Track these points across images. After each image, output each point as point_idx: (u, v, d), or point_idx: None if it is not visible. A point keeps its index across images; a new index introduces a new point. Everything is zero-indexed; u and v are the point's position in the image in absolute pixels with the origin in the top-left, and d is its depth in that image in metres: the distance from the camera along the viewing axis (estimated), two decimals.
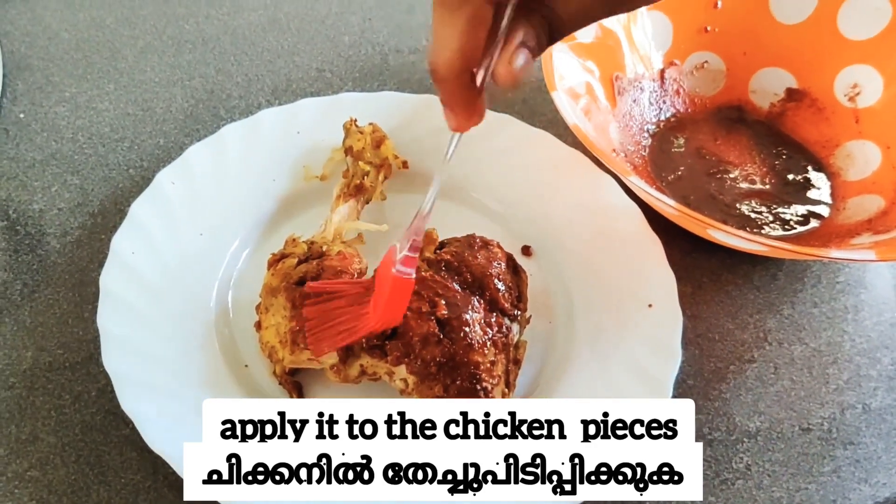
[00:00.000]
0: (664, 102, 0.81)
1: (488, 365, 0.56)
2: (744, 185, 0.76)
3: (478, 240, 0.62)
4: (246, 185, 0.69)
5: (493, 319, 0.58)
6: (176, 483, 0.53)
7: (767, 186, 0.76)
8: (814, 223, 0.74)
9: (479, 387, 0.55)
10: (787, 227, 0.73)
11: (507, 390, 0.57)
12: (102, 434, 0.57)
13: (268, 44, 0.86)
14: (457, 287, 0.59)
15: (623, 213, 0.69)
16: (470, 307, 0.57)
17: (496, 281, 0.60)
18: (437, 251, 0.62)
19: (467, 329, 0.56)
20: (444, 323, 0.56)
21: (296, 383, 0.60)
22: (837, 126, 0.79)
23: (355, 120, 0.72)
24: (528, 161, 0.73)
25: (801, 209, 0.74)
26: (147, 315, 0.60)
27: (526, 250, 0.69)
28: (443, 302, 0.57)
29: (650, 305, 0.63)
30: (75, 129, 0.76)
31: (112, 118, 0.77)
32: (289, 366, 0.59)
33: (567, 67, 0.72)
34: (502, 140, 0.73)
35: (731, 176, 0.77)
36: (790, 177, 0.77)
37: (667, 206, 0.61)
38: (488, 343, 0.56)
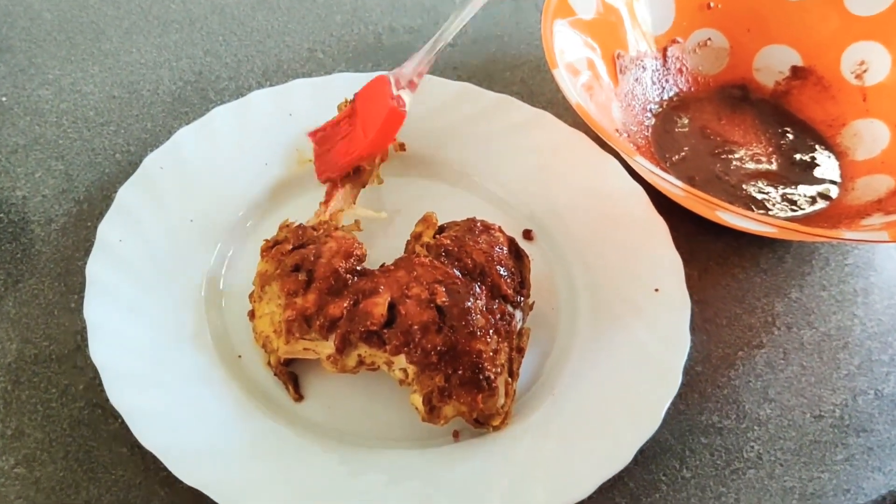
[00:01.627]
0: (667, 81, 0.79)
1: (491, 353, 0.54)
2: (750, 166, 0.74)
3: (478, 223, 0.60)
4: (237, 169, 0.67)
5: (495, 306, 0.56)
6: (168, 479, 0.51)
7: (774, 166, 0.74)
8: (822, 204, 0.72)
9: (481, 376, 0.53)
10: (794, 208, 0.71)
11: (510, 379, 0.55)
12: (91, 429, 0.55)
13: (257, 24, 0.83)
14: (457, 273, 0.56)
15: (627, 195, 0.67)
16: (471, 294, 0.55)
17: (498, 266, 0.58)
18: (437, 236, 0.59)
19: (469, 317, 0.54)
20: (444, 311, 0.54)
21: (291, 374, 0.58)
22: (844, 104, 0.77)
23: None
24: (528, 142, 0.70)
25: (809, 190, 0.72)
26: (135, 305, 0.57)
27: (527, 234, 0.67)
28: (443, 289, 0.55)
29: (657, 290, 0.61)
30: (59, 113, 0.73)
31: (97, 101, 0.75)
32: (284, 356, 0.57)
33: (568, 42, 0.70)
34: (501, 121, 0.71)
35: (737, 156, 0.75)
36: (797, 156, 0.75)
37: (674, 187, 0.59)
38: (491, 331, 0.54)
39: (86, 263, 0.58)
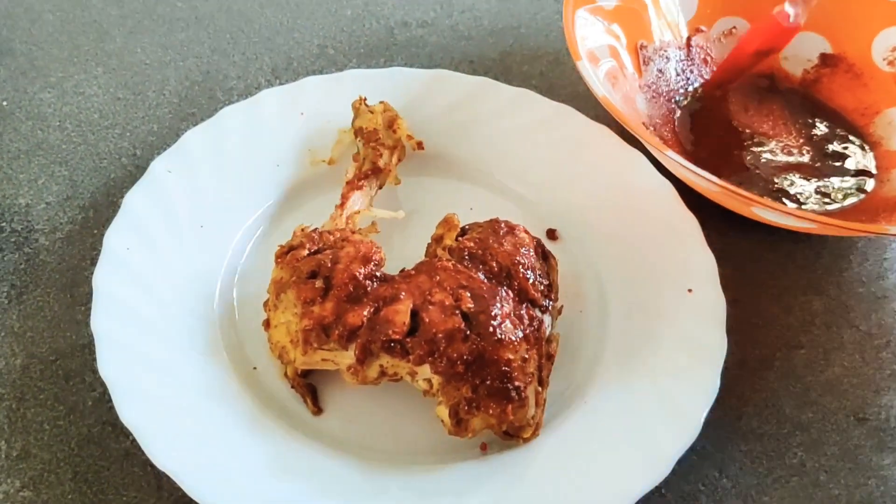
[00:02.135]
0: (691, 72, 0.76)
1: (520, 362, 0.51)
2: (780, 158, 0.71)
3: (502, 224, 0.57)
4: (248, 171, 0.64)
5: (523, 312, 0.53)
6: (183, 500, 0.48)
7: (805, 158, 0.71)
8: (858, 197, 0.68)
9: (511, 386, 0.50)
10: (828, 201, 0.68)
11: (540, 388, 0.53)
12: (101, 448, 0.52)
13: (265, 20, 0.81)
14: (482, 277, 0.54)
15: (655, 191, 0.64)
16: (498, 299, 0.52)
17: (525, 269, 0.55)
18: (459, 238, 0.57)
19: (496, 323, 0.51)
20: (470, 317, 0.51)
21: (309, 386, 0.55)
22: (876, 92, 0.74)
23: (364, 98, 0.67)
24: (550, 138, 0.67)
25: (844, 182, 0.69)
26: (145, 316, 0.55)
27: (551, 234, 0.64)
28: (468, 294, 0.52)
29: (690, 290, 0.58)
30: (62, 117, 0.71)
31: (101, 104, 0.72)
32: (301, 367, 0.54)
33: (590, 31, 0.67)
34: (522, 117, 0.68)
35: (767, 148, 0.72)
36: (829, 148, 0.72)
37: (708, 182, 0.56)
38: (519, 338, 0.51)
39: (92, 273, 0.55)
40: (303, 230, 0.59)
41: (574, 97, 0.74)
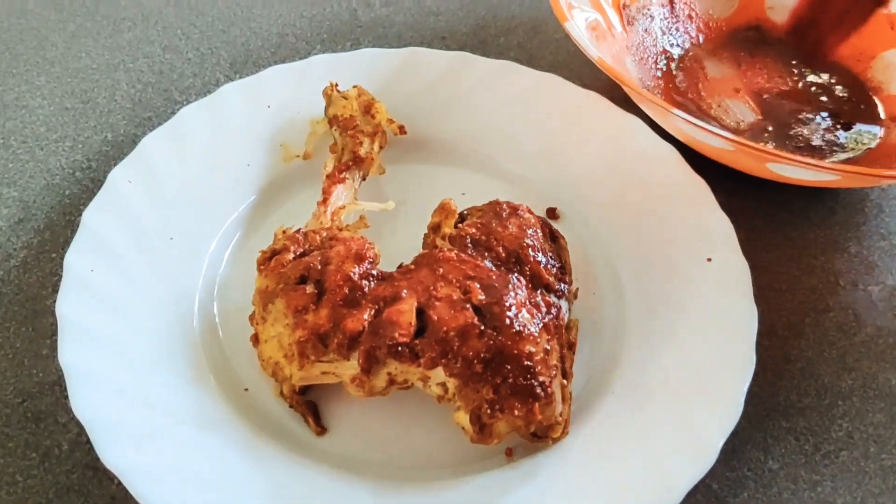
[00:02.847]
0: (677, 30, 0.71)
1: (543, 355, 0.46)
2: (786, 111, 0.67)
3: (504, 206, 0.52)
4: (216, 174, 0.59)
5: (538, 299, 0.48)
6: None
7: (807, 110, 0.67)
8: (868, 145, 0.65)
9: (535, 382, 0.45)
10: (837, 150, 0.64)
11: (564, 381, 0.48)
12: (83, 496, 0.47)
13: (217, 12, 0.75)
14: (489, 265, 0.49)
15: (658, 156, 0.59)
16: (510, 287, 0.47)
17: (535, 252, 0.50)
18: (458, 225, 0.52)
19: (512, 314, 0.46)
20: (482, 310, 0.46)
21: (309, 404, 0.50)
22: (870, 36, 0.71)
23: (336, 84, 0.61)
24: (539, 110, 0.63)
25: (851, 131, 0.66)
26: (118, 344, 0.49)
27: (552, 213, 0.60)
28: (476, 285, 0.47)
29: (709, 259, 0.54)
30: (6, 133, 0.65)
31: (48, 116, 0.66)
32: (298, 383, 0.49)
33: None
34: (507, 90, 0.63)
35: (774, 101, 0.67)
36: (828, 97, 0.68)
37: (724, 140, 0.52)
38: (539, 328, 0.46)
39: (55, 302, 0.49)
40: (284, 232, 0.53)
41: (556, 66, 0.70)
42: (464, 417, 0.46)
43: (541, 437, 0.47)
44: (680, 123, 0.54)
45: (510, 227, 0.51)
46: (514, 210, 0.52)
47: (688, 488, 0.44)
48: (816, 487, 0.49)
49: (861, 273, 0.59)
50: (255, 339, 0.50)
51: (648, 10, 0.70)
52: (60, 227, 0.58)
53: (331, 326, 0.47)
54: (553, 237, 0.53)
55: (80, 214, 0.54)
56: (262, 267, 0.50)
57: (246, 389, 0.51)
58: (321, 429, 0.49)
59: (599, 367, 0.52)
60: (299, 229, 0.52)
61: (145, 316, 0.51)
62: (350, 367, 0.47)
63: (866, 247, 0.61)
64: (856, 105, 0.68)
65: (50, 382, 0.51)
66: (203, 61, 0.70)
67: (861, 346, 0.55)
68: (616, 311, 0.54)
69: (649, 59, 0.69)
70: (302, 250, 0.51)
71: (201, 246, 0.56)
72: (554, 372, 0.46)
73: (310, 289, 0.48)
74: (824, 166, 0.51)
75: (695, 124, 0.52)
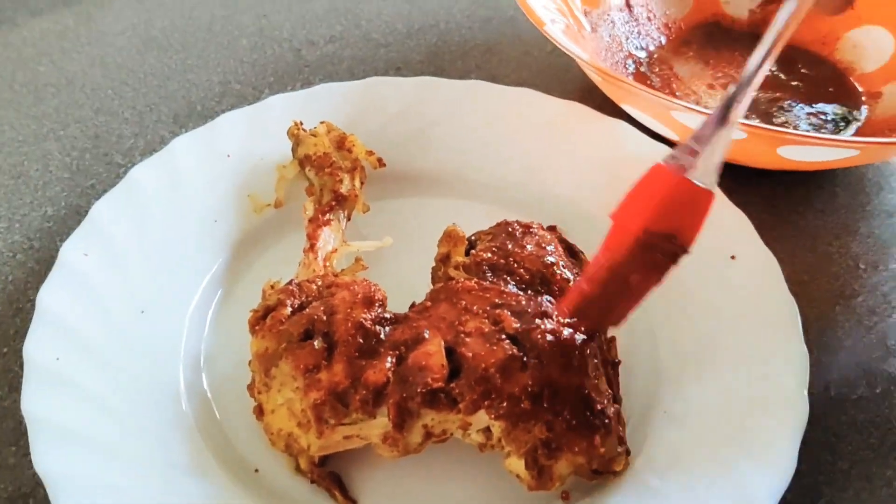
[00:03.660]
0: (639, 33, 0.69)
1: (594, 380, 0.41)
2: (762, 102, 0.64)
3: (514, 225, 0.48)
4: (181, 235, 0.52)
5: (574, 319, 0.43)
6: None
7: (785, 97, 0.65)
8: (855, 125, 0.63)
9: (592, 413, 0.40)
10: (826, 133, 0.62)
11: (616, 406, 0.43)
12: None
13: (149, 67, 0.69)
14: (515, 290, 0.44)
15: (654, 159, 0.55)
16: (544, 311, 0.42)
17: (560, 270, 0.45)
18: (472, 252, 0.47)
19: (552, 339, 0.41)
20: (519, 340, 0.41)
21: (332, 475, 0.43)
22: (831, 18, 0.69)
23: (301, 123, 0.56)
24: (520, 126, 0.59)
25: (834, 113, 0.64)
26: (101, 440, 0.42)
27: (552, 232, 0.55)
28: (507, 313, 0.42)
29: (733, 257, 0.50)
30: None
31: None
32: (318, 454, 0.43)
33: (540, 3, 0.59)
34: (481, 109, 0.59)
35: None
36: (801, 82, 0.67)
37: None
38: (580, 352, 0.41)
39: (15, 402, 0.42)
40: (273, 286, 0.47)
41: (521, 84, 0.66)
42: (517, 464, 0.41)
43: (601, 472, 0.42)
44: (684, 117, 0.50)
45: (528, 246, 0.46)
46: (527, 228, 0.48)
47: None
48: (893, 482, 0.45)
49: (879, 253, 0.56)
50: (259, 412, 0.44)
51: (609, 15, 0.67)
52: (9, 316, 0.51)
53: (349, 382, 0.41)
54: (572, 252, 0.48)
55: (31, 300, 0.47)
56: (256, 328, 0.44)
57: (256, 471, 0.44)
58: (351, 501, 0.43)
59: (639, 384, 0.47)
60: (291, 281, 0.46)
61: (126, 404, 0.44)
62: (378, 426, 0.41)
63: (876, 226, 0.58)
64: (831, 87, 0.66)
65: (23, 494, 0.43)
66: (142, 119, 0.64)
67: None
68: (645, 324, 0.50)
69: (618, 63, 0.66)
70: (299, 303, 0.45)
71: (177, 315, 0.49)
72: (607, 398, 0.42)
73: (318, 343, 0.42)
74: (846, 141, 0.48)
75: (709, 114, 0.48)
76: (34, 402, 0.42)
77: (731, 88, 0.40)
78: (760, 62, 0.40)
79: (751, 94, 0.40)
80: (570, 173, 0.57)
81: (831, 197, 0.60)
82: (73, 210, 0.57)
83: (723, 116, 0.40)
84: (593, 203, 0.55)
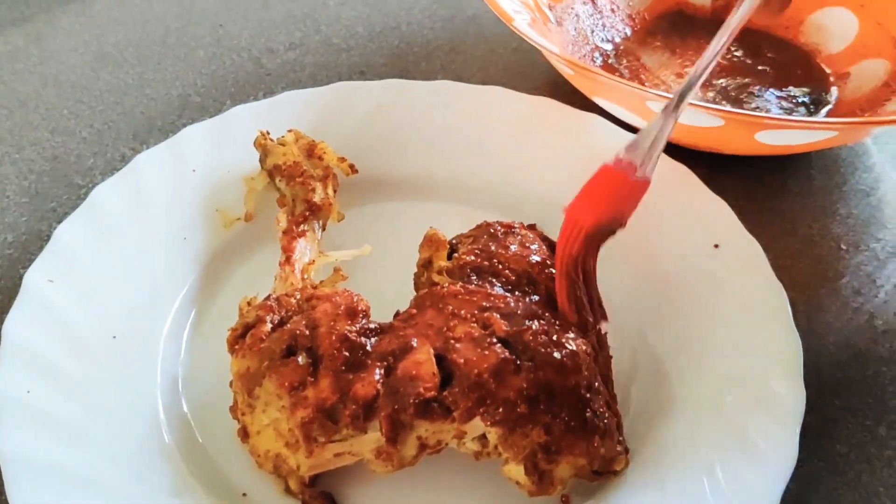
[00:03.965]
0: (604, 26, 0.68)
1: (590, 380, 0.40)
2: (732, 88, 0.64)
3: (495, 226, 0.47)
4: (150, 255, 0.50)
5: (560, 318, 0.42)
6: None
7: (754, 83, 0.65)
8: (826, 106, 0.63)
9: (590, 413, 0.39)
10: (799, 115, 0.62)
11: (612, 403, 0.42)
12: None
13: (105, 84, 0.67)
14: (501, 292, 0.43)
15: None
16: (534, 312, 0.41)
17: (546, 269, 0.44)
18: (455, 255, 0.45)
19: (544, 340, 0.40)
20: (510, 343, 0.40)
21: (324, 495, 0.42)
22: (794, 1, 0.69)
23: (267, 133, 0.54)
24: (492, 124, 0.58)
25: (804, 95, 0.63)
26: (81, 476, 0.40)
27: (532, 230, 0.54)
28: (496, 316, 0.41)
29: (716, 246, 0.50)
30: None
31: None
32: (308, 473, 0.41)
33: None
34: (451, 109, 0.58)
35: (717, 83, 0.64)
36: (769, 66, 0.66)
37: (713, 113, 0.48)
38: (577, 350, 0.40)
39: None
40: (249, 303, 0.46)
41: (487, 83, 0.65)
42: (516, 470, 0.39)
43: (602, 473, 0.41)
44: (659, 107, 0.49)
45: (511, 247, 0.45)
46: (509, 228, 0.47)
47: (779, 493, 0.39)
48: (893, 462, 0.45)
49: (859, 233, 0.56)
50: (244, 433, 0.42)
51: (573, 8, 0.67)
52: None
53: (337, 398, 0.39)
54: (554, 249, 0.47)
55: None
56: (235, 347, 0.43)
57: (244, 494, 0.42)
58: None
59: (626, 378, 0.46)
60: (269, 296, 0.45)
61: (103, 434, 0.42)
62: (370, 441, 0.40)
63: (854, 206, 0.58)
64: (799, 70, 0.66)
65: None
66: (101, 138, 0.62)
67: (884, 305, 0.52)
68: (632, 317, 0.49)
69: (585, 56, 0.65)
70: (279, 318, 0.43)
71: (151, 339, 0.47)
72: (601, 397, 0.41)
73: (302, 359, 0.40)
74: (825, 122, 0.48)
75: (693, 104, 0.47)
76: (7, 439, 0.40)
77: (684, 81, 0.45)
78: (712, 57, 0.46)
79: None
80: (545, 170, 0.56)
81: (808, 180, 0.60)
82: (35, 235, 0.55)
83: (676, 106, 0.45)
84: (571, 198, 0.54)
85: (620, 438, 0.41)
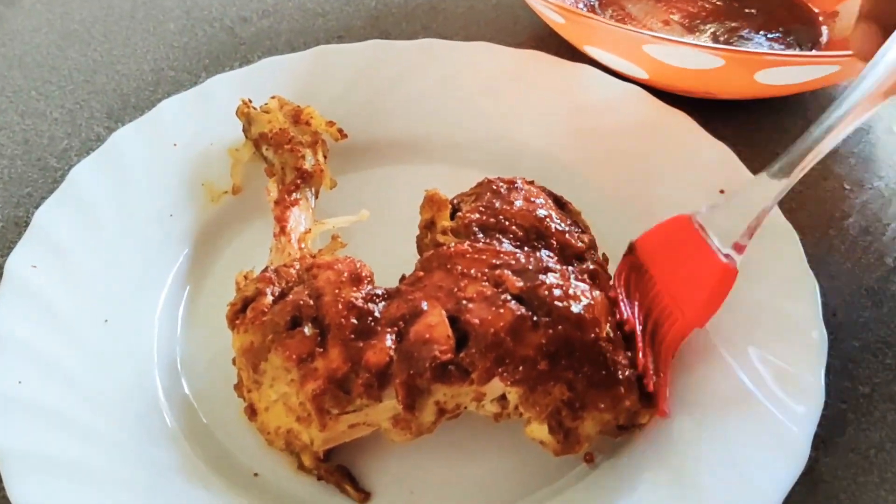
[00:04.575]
0: None
1: (608, 332, 0.39)
2: (721, 33, 0.62)
3: (497, 182, 0.45)
4: (136, 234, 0.48)
5: (576, 271, 0.41)
6: None
7: (743, 26, 0.63)
8: (817, 47, 0.61)
9: (612, 366, 0.38)
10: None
11: (629, 353, 0.40)
12: None
13: (73, 63, 0.64)
14: (510, 248, 0.41)
15: (625, 99, 0.54)
16: (546, 265, 0.40)
17: (554, 222, 0.43)
18: (456, 215, 0.44)
19: (560, 293, 0.38)
20: (524, 299, 0.38)
21: (341, 469, 0.40)
22: None
23: (249, 101, 0.52)
24: (481, 81, 0.56)
25: (794, 37, 0.62)
26: (82, 467, 0.38)
27: (532, 185, 0.52)
28: (507, 273, 0.39)
29: (722, 191, 0.48)
30: None
31: None
32: (322, 448, 0.39)
33: None
34: (438, 67, 0.56)
35: (705, 27, 0.63)
36: (755, 9, 0.65)
37: (713, 52, 0.46)
38: (597, 301, 0.39)
39: None
40: (247, 277, 0.44)
41: (471, 38, 0.63)
42: (539, 430, 0.38)
43: (627, 427, 0.40)
44: (657, 50, 0.48)
45: (516, 202, 0.43)
46: (512, 184, 0.45)
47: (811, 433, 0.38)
48: None
49: (861, 172, 0.55)
50: (251, 411, 0.40)
51: None
52: None
53: (349, 367, 0.38)
54: (560, 203, 0.46)
55: None
56: (236, 322, 0.41)
57: (256, 475, 0.41)
58: (364, 493, 0.40)
59: None
60: (266, 268, 0.43)
61: (102, 422, 0.40)
62: (385, 410, 0.38)
63: (854, 145, 0.57)
64: (787, 11, 0.64)
65: None
66: (73, 118, 0.59)
67: (893, 243, 0.51)
68: None
69: (570, 6, 0.63)
70: (280, 290, 0.41)
71: (144, 320, 0.45)
72: (620, 348, 0.39)
73: (308, 330, 0.39)
74: (829, 56, 0.46)
75: (687, 43, 0.46)
76: (1, 434, 0.38)
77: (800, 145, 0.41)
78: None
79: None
80: (539, 124, 0.54)
81: (805, 122, 0.58)
82: (12, 222, 0.52)
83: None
84: (571, 151, 0.53)
85: (644, 390, 0.40)
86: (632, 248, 0.43)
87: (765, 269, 0.44)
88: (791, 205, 0.53)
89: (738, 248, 0.41)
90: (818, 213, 0.53)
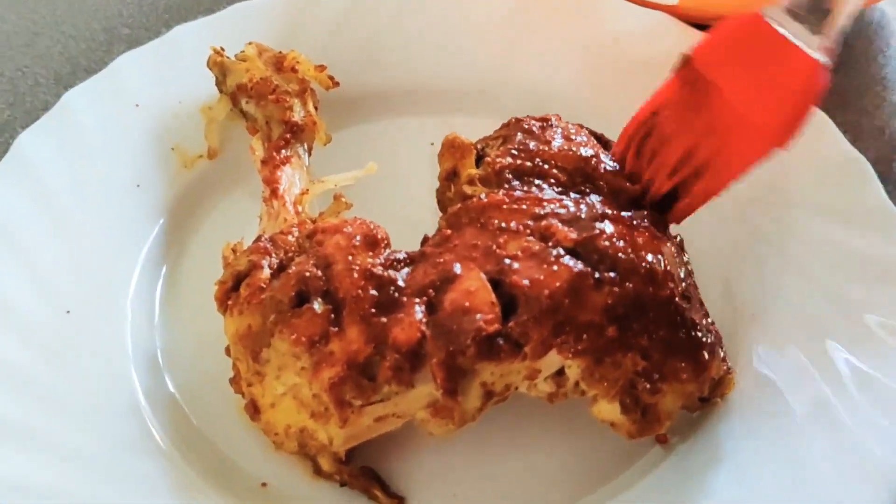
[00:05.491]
0: None
1: (683, 289, 0.32)
2: None
3: (529, 121, 0.38)
4: (98, 210, 0.41)
5: (633, 216, 0.34)
6: None
7: None
8: None
9: (692, 329, 0.31)
10: None
11: (705, 312, 0.34)
12: None
13: (11, 26, 0.56)
14: (554, 195, 0.34)
15: (653, 29, 0.47)
16: (601, 213, 0.33)
17: (601, 162, 0.36)
18: (482, 161, 0.37)
19: (622, 244, 0.32)
20: (579, 253, 0.31)
21: (367, 472, 0.34)
22: None
23: (222, 49, 0.44)
24: (485, 18, 0.49)
25: None
26: (56, 490, 0.31)
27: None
28: (556, 223, 0.32)
29: None
30: None
31: None
32: (344, 448, 0.32)
33: None
34: (432, 6, 0.49)
35: None
36: None
37: None
38: (670, 253, 0.32)
39: None
40: (234, 249, 0.36)
41: None
42: (609, 409, 0.32)
43: (708, 399, 0.33)
44: None
45: (554, 141, 0.37)
46: (546, 121, 0.38)
47: None
48: None
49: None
50: (253, 409, 0.33)
51: None
52: None
53: (372, 348, 0.31)
54: (601, 140, 0.39)
55: None
56: (228, 303, 0.34)
57: (264, 485, 0.34)
58: (398, 499, 0.33)
59: (712, 292, 0.38)
60: (259, 237, 0.36)
61: (73, 435, 0.34)
62: (419, 397, 0.31)
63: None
64: None
65: None
66: (15, 86, 0.52)
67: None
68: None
69: None
70: (278, 261, 0.34)
71: (113, 308, 0.38)
72: (700, 307, 0.33)
73: (318, 306, 0.32)
74: None
75: None
76: None
77: None
78: None
79: None
80: (562, 64, 0.48)
81: (847, 49, 0.52)
82: None
83: None
84: (598, 92, 0.47)
85: (724, 356, 0.33)
86: (687, 61, 0.36)
87: (839, 199, 0.38)
88: (848, 137, 0.47)
89: (828, 51, 0.34)
90: (879, 144, 0.47)
